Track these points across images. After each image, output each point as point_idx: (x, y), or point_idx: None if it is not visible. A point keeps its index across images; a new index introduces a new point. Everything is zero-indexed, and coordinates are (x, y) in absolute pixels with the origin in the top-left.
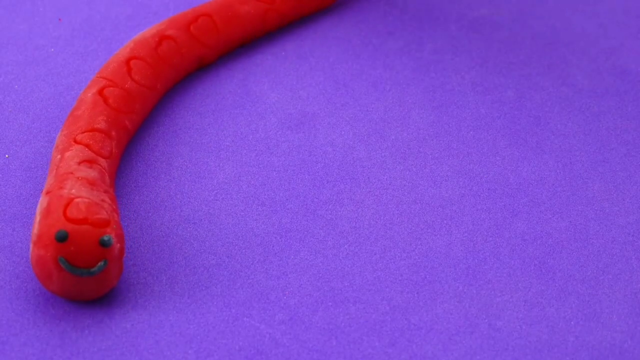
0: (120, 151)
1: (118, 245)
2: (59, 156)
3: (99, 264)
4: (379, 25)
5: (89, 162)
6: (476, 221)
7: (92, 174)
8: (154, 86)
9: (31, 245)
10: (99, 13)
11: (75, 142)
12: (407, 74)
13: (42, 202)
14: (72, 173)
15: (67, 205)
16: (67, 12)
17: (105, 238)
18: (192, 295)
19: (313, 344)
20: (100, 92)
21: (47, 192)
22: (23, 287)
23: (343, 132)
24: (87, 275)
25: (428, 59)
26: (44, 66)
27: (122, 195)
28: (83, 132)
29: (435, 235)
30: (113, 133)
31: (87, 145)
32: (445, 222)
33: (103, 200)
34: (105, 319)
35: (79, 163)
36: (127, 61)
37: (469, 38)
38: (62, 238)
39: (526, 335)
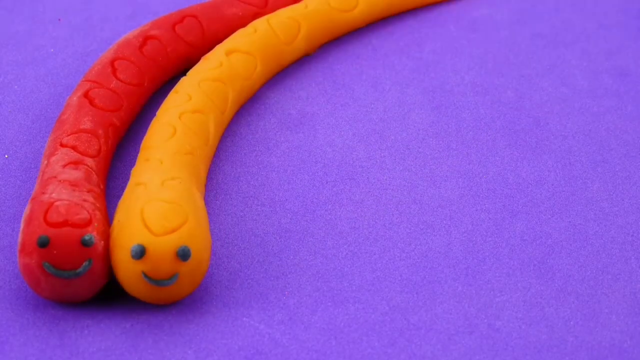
0: (111, 148)
1: (102, 242)
2: (45, 161)
3: (84, 264)
4: (379, 26)
5: (75, 163)
6: (475, 221)
7: (75, 175)
8: (141, 84)
9: (17, 254)
10: (98, 13)
11: (61, 145)
12: (407, 74)
13: (26, 209)
14: (55, 177)
15: (47, 210)
16: (67, 12)
17: (87, 237)
18: (192, 295)
19: (312, 343)
20: (85, 95)
21: (31, 199)
22: (23, 287)
23: (343, 132)
24: (73, 277)
25: (428, 59)
26: (44, 66)
27: (119, 196)
28: (68, 135)
29: (434, 235)
30: (100, 132)
31: (72, 147)
32: (444, 222)
33: (85, 200)
34: (105, 319)
35: (64, 166)
36: (112, 62)
37: (468, 38)
38: (43, 243)
39: (525, 335)
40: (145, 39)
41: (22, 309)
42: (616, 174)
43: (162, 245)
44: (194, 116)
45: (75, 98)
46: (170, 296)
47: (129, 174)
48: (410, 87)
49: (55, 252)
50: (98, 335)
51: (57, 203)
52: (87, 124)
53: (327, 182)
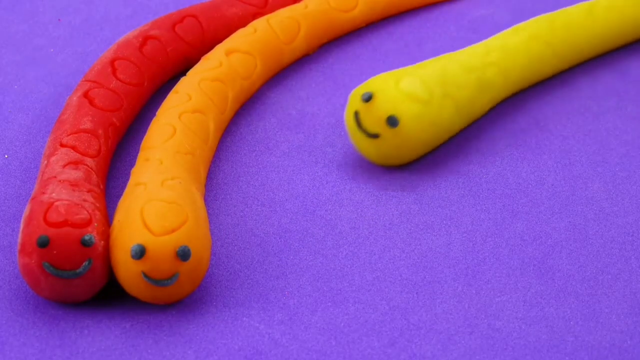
0: (111, 148)
1: (102, 242)
2: (45, 162)
3: (84, 264)
4: (379, 25)
5: (75, 163)
6: (476, 221)
7: (75, 175)
8: (140, 84)
9: (17, 254)
10: (98, 13)
11: (61, 145)
12: None
13: (26, 209)
14: (55, 177)
15: (47, 210)
16: (67, 12)
17: (87, 237)
18: (192, 295)
19: (312, 344)
20: (85, 95)
21: (31, 199)
22: (23, 286)
23: (343, 132)
24: (73, 277)
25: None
26: (43, 66)
27: (119, 196)
28: (68, 135)
29: (434, 235)
30: (100, 132)
31: (72, 147)
32: (444, 222)
33: (84, 200)
34: (105, 319)
35: (64, 166)
36: (112, 62)
37: (468, 38)
38: (43, 244)
39: (525, 335)
40: (145, 39)
41: (22, 309)
42: (616, 174)
43: (162, 245)
44: (194, 116)
45: (75, 98)
46: (170, 296)
47: (129, 174)
48: None
49: (55, 252)
50: (98, 335)
51: (57, 203)
52: (87, 124)
53: (327, 182)
